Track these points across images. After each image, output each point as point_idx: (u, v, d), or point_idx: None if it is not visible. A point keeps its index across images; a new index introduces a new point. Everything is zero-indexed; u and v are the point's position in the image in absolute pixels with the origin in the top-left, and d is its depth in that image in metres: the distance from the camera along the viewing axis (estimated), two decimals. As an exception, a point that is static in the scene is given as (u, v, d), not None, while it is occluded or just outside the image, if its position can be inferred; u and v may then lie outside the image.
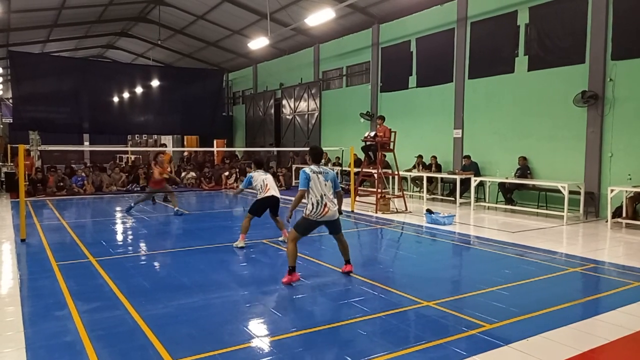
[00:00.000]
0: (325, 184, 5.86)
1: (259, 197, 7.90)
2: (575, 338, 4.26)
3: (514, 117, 12.77)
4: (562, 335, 4.31)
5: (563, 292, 5.63)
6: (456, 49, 14.19)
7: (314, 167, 5.96)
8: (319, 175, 5.87)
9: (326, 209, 5.84)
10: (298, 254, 7.34)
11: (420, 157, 14.95)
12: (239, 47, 23.08)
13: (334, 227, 6.10)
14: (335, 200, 6.03)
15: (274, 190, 7.95)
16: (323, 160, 6.90)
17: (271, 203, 7.96)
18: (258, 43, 17.84)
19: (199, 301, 5.22)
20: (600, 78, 10.80)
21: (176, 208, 11.87)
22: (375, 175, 12.70)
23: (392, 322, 4.64)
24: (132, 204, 12.09)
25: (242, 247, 7.81)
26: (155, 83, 24.41)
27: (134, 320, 4.62)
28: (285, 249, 6.33)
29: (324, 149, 18.96)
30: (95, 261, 6.97)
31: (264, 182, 7.89)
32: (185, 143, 29.20)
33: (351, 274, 6.23)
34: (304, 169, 6.02)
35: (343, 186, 16.61)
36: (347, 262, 6.32)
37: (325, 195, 5.84)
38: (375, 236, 9.59)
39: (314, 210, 5.82)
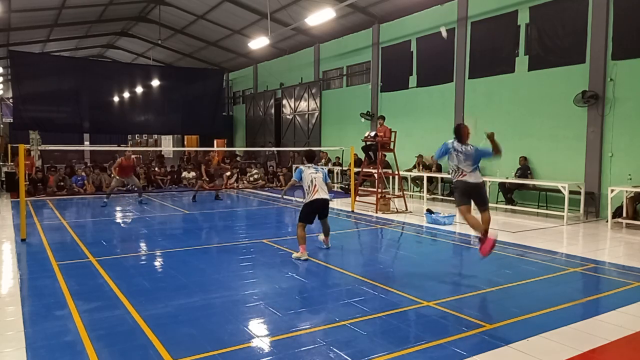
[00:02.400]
0: None
1: (306, 200, 7.10)
2: (575, 338, 4.26)
3: (514, 117, 12.77)
4: (562, 335, 4.31)
5: (563, 292, 5.63)
6: (456, 48, 14.18)
7: None
8: None
9: None
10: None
11: (420, 157, 14.95)
12: (239, 46, 23.08)
13: None
14: None
15: (322, 192, 7.10)
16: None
17: (319, 206, 7.10)
18: (258, 43, 17.84)
19: (199, 301, 5.22)
20: (601, 78, 10.80)
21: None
22: (376, 175, 12.70)
23: (392, 322, 4.64)
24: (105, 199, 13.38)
25: (306, 260, 6.93)
26: (155, 83, 24.42)
27: (134, 320, 4.62)
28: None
29: (324, 149, 19.10)
30: (96, 261, 6.97)
31: (312, 182, 7.03)
32: (185, 143, 29.21)
33: (352, 274, 6.22)
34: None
35: (343, 185, 16.71)
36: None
37: None
38: (376, 236, 9.59)
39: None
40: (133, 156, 14.20)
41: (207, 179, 14.54)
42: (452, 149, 6.33)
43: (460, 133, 6.39)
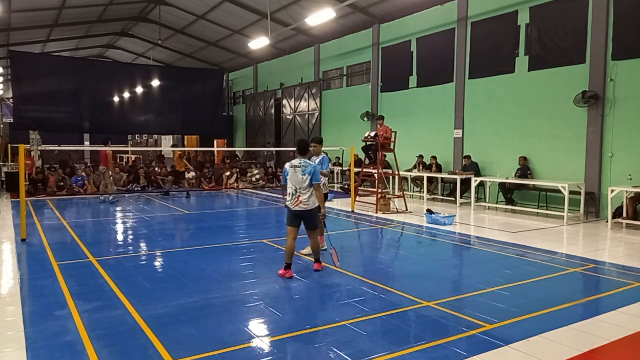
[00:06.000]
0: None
1: None
2: (575, 338, 4.27)
3: (514, 117, 12.77)
4: (562, 335, 4.31)
5: (563, 292, 5.63)
6: (456, 48, 14.18)
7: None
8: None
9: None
10: (297, 253, 7.36)
11: (420, 157, 14.95)
12: (239, 46, 23.08)
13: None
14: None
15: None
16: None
17: None
18: (258, 43, 17.84)
19: (199, 301, 5.22)
20: (601, 78, 10.79)
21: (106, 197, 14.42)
22: (376, 175, 12.70)
23: (392, 322, 4.64)
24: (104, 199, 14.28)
25: None
26: (155, 83, 24.42)
27: (134, 320, 4.63)
28: None
29: (324, 148, 19.04)
30: (96, 261, 6.97)
31: None
32: (185, 143, 29.20)
33: (348, 273, 6.23)
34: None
35: (343, 185, 16.70)
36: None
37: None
38: (376, 236, 9.59)
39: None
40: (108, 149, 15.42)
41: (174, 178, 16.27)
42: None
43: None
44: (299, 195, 6.10)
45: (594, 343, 4.17)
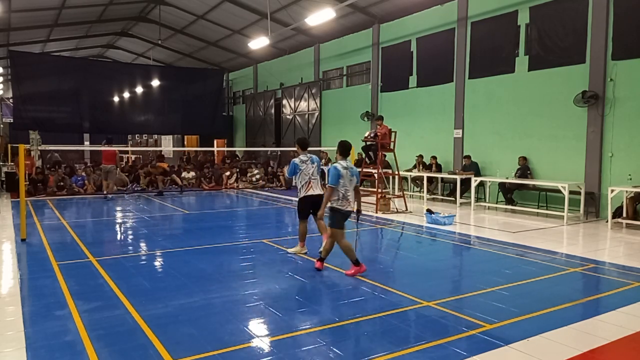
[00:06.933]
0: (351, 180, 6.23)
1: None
2: (575, 338, 4.27)
3: (514, 117, 12.77)
4: (562, 335, 4.31)
5: (563, 292, 5.63)
6: (456, 48, 14.19)
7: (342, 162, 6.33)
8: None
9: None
10: (301, 254, 7.37)
11: (420, 157, 14.95)
12: (239, 46, 23.08)
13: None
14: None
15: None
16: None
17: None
18: (258, 43, 17.84)
19: (199, 301, 5.22)
20: (601, 78, 10.80)
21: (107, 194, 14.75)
22: (376, 175, 12.70)
23: (392, 322, 4.64)
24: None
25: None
26: (155, 83, 24.42)
27: (134, 320, 4.63)
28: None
29: (324, 148, 19.09)
30: (96, 261, 6.97)
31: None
32: (185, 143, 29.20)
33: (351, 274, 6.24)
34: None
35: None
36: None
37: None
38: (376, 236, 9.58)
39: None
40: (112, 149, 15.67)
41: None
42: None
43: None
44: (349, 197, 6.28)
45: (594, 343, 4.17)
